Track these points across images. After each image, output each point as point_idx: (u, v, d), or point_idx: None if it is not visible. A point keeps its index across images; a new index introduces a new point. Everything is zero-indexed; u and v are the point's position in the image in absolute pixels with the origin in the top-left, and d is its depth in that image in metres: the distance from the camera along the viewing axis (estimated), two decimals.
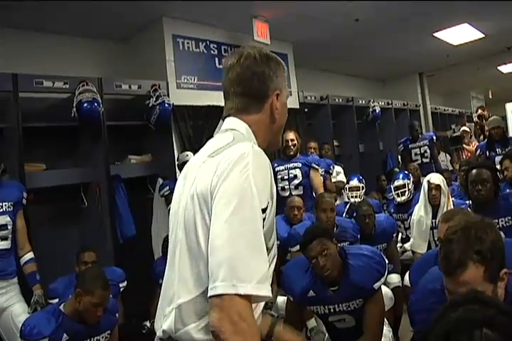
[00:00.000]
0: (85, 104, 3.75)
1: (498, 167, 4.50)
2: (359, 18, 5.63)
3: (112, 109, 4.17)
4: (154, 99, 4.31)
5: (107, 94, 4.10)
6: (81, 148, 4.25)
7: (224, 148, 1.16)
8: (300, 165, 4.59)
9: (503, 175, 3.47)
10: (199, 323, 1.11)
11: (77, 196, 4.17)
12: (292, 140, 4.61)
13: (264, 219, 1.09)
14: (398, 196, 4.52)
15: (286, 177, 4.62)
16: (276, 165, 4.68)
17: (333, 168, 5.39)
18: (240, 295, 0.99)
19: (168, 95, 4.46)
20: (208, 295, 1.02)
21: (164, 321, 1.18)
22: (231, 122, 1.29)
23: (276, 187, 4.58)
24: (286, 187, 4.61)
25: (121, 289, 3.23)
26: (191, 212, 1.15)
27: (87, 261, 3.15)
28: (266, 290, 1.02)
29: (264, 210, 1.09)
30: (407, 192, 4.48)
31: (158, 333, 1.20)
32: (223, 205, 1.05)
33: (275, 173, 4.67)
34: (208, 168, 1.14)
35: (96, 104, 3.79)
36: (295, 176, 4.58)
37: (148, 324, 3.30)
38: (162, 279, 1.27)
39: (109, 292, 2.50)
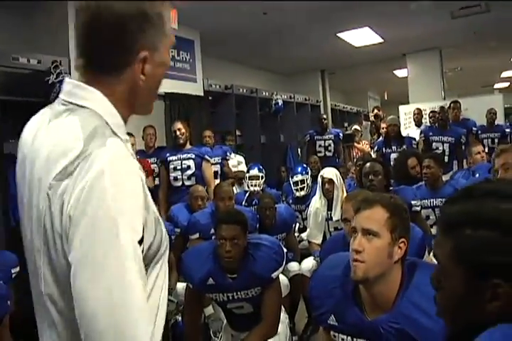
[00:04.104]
0: None
1: (392, 163, 4.87)
2: (267, 12, 5.70)
3: (7, 82, 3.90)
4: (55, 76, 4.07)
5: (2, 66, 3.82)
6: None
7: (74, 163, 0.83)
8: (193, 156, 4.65)
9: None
10: None
11: None
12: (179, 129, 4.65)
13: (142, 246, 0.85)
14: (297, 191, 4.60)
15: (179, 167, 4.65)
16: (168, 154, 4.72)
17: (230, 154, 5.50)
18: None
19: (70, 73, 4.23)
20: None
21: None
22: (79, 91, 0.92)
23: (169, 176, 4.65)
24: (178, 177, 4.65)
25: (14, 275, 3.04)
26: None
27: None
28: None
29: (141, 241, 0.84)
30: (305, 188, 4.57)
31: None
32: (83, 256, 0.80)
33: (167, 163, 4.69)
34: (58, 199, 0.84)
35: None
36: (188, 167, 4.64)
37: None
38: None
39: None
